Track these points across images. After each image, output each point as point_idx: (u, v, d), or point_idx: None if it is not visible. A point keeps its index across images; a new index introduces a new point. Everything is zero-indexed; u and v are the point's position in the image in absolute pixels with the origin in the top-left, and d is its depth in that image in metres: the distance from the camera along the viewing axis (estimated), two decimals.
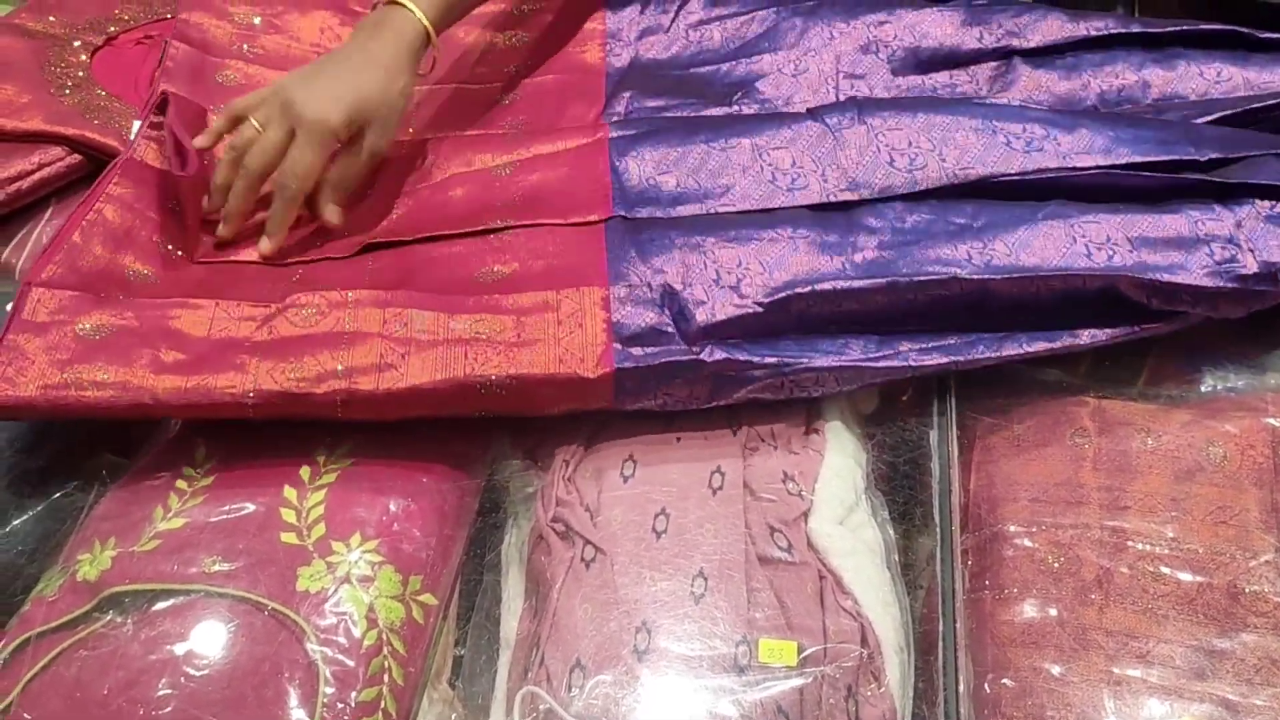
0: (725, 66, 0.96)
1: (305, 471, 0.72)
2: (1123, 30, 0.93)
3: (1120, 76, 0.90)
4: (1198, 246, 0.75)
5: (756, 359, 0.73)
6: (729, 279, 0.75)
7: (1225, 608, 0.66)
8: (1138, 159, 0.79)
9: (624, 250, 0.77)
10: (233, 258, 0.82)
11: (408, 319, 0.74)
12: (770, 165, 0.82)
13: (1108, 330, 0.76)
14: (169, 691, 0.61)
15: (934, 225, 0.78)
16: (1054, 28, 0.93)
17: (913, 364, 0.75)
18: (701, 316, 0.73)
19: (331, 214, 0.83)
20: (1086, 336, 0.76)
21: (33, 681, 0.61)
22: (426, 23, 0.84)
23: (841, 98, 0.92)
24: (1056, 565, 0.68)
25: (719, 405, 0.75)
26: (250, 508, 0.69)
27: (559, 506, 0.72)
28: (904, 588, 0.69)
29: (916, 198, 0.80)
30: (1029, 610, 0.67)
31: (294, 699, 0.61)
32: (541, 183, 0.85)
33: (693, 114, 0.91)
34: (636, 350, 0.73)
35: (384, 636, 0.64)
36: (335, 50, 0.86)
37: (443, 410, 0.73)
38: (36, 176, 0.92)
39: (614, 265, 0.77)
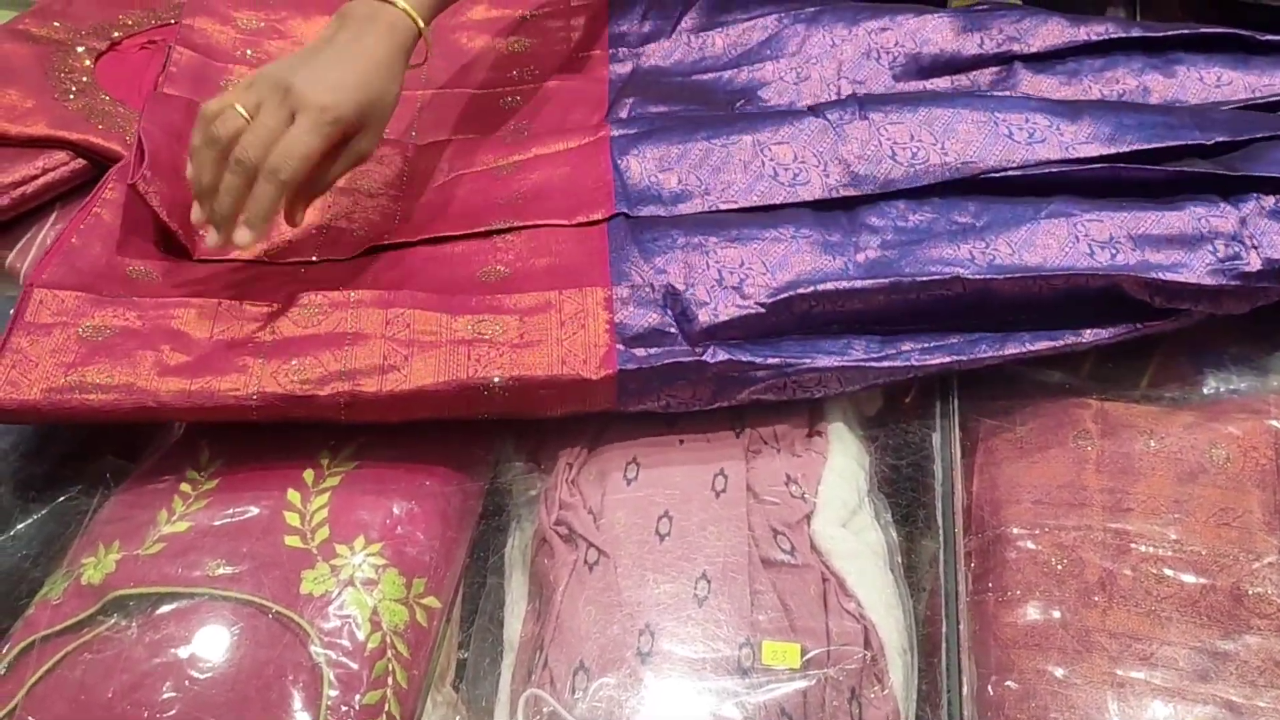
0: (728, 74, 0.97)
1: (309, 475, 0.72)
2: (1123, 35, 0.93)
3: (1121, 81, 0.90)
4: (1201, 244, 0.75)
5: (759, 360, 0.73)
6: (731, 279, 0.75)
7: (1229, 610, 0.66)
8: (1142, 145, 0.79)
9: (626, 250, 0.77)
10: (233, 256, 0.82)
11: (410, 320, 0.74)
12: (772, 161, 0.82)
13: (1110, 329, 0.76)
14: (173, 694, 0.61)
15: (936, 224, 0.78)
16: (1054, 33, 0.93)
17: (915, 364, 0.75)
18: (704, 317, 0.73)
19: (301, 216, 0.78)
20: (1089, 335, 0.76)
21: (37, 685, 0.61)
22: (419, 20, 0.80)
23: None
24: (1059, 567, 0.68)
25: (722, 407, 0.75)
26: (254, 511, 0.69)
27: (562, 509, 0.72)
28: (907, 590, 0.69)
29: (919, 195, 0.80)
30: (1032, 612, 0.67)
31: (298, 702, 0.61)
32: (543, 182, 0.85)
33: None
34: (639, 351, 0.73)
35: (388, 639, 0.65)
36: (322, 41, 0.77)
37: (445, 412, 0.73)
38: (41, 181, 0.92)
39: (616, 265, 0.77)
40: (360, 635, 0.64)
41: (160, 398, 0.70)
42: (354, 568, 0.67)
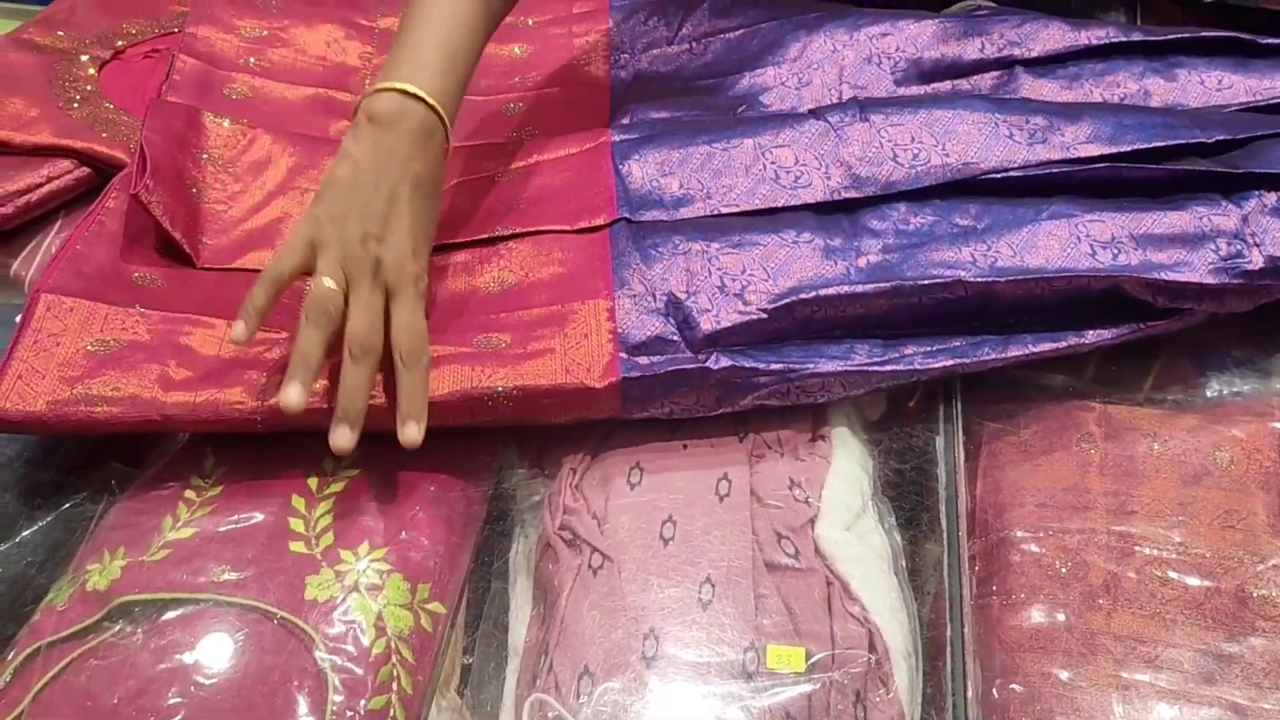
0: (729, 79, 0.97)
1: (313, 481, 0.72)
2: (1124, 39, 0.93)
3: (1122, 85, 0.91)
4: (1203, 242, 0.75)
5: (762, 365, 0.73)
6: (733, 286, 0.75)
7: (1234, 612, 0.66)
8: (1143, 144, 0.79)
9: (628, 257, 0.78)
10: (238, 265, 0.82)
11: None
12: (773, 164, 0.82)
13: (1113, 329, 0.76)
14: (179, 700, 0.61)
15: (938, 227, 0.78)
16: (1055, 37, 0.94)
17: (918, 367, 0.75)
18: (706, 324, 0.74)
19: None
20: (1092, 336, 0.76)
21: (43, 691, 0.61)
22: (445, 120, 0.75)
23: None
24: (1064, 570, 0.68)
25: (726, 412, 0.75)
26: (259, 517, 0.70)
27: (566, 514, 0.72)
28: (911, 593, 0.69)
29: (920, 197, 0.80)
30: (1037, 615, 0.67)
31: (303, 707, 0.61)
32: (545, 187, 0.85)
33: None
34: (642, 359, 0.73)
35: (392, 645, 0.65)
36: (368, 168, 0.72)
37: (450, 421, 0.73)
38: (45, 189, 0.92)
39: (618, 271, 0.77)
40: (365, 641, 0.64)
41: (165, 410, 0.70)
42: (359, 573, 0.67)
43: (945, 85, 0.93)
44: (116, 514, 0.72)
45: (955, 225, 0.78)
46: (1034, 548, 0.70)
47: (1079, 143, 0.80)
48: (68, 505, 0.75)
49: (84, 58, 1.03)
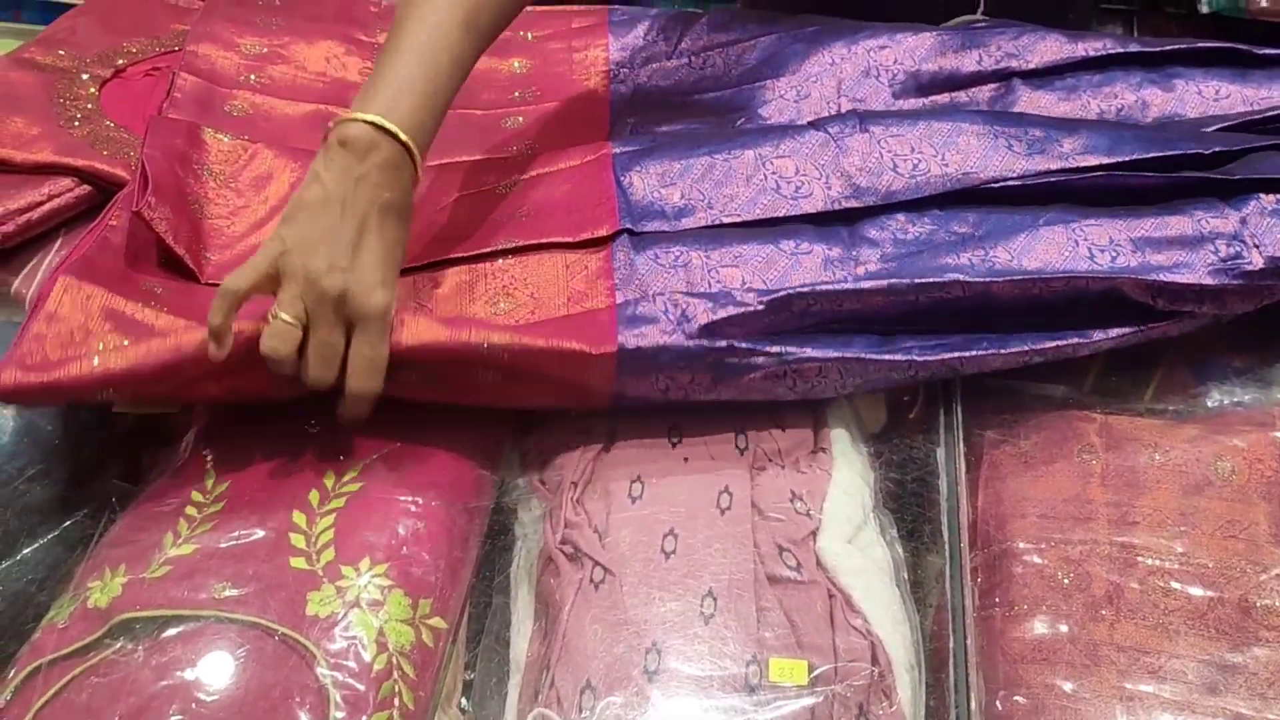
0: (728, 93, 0.97)
1: (314, 496, 0.72)
2: (1121, 50, 0.93)
3: (1119, 96, 0.91)
4: (1202, 244, 0.75)
5: (759, 347, 0.73)
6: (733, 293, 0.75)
7: (1237, 622, 0.66)
8: (1141, 155, 0.80)
9: (630, 271, 0.78)
10: None
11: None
12: (774, 174, 0.82)
13: (1115, 330, 0.76)
14: (180, 717, 0.60)
15: (935, 235, 0.78)
16: (1053, 49, 0.94)
17: (916, 359, 0.75)
18: (703, 317, 0.73)
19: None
20: (1096, 336, 0.76)
21: (44, 709, 0.61)
22: (416, 154, 0.74)
23: None
24: (1066, 581, 0.68)
25: (723, 406, 0.75)
26: (260, 533, 0.69)
27: (567, 528, 0.72)
28: (914, 605, 0.69)
29: (918, 207, 0.80)
30: (1040, 627, 0.67)
31: None
32: (545, 200, 0.85)
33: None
34: (640, 330, 0.73)
35: (394, 660, 0.64)
36: (334, 202, 0.71)
37: (437, 377, 0.73)
38: (46, 207, 0.92)
39: (621, 288, 0.77)
40: (366, 656, 0.64)
41: (181, 347, 0.69)
42: (360, 589, 0.67)
43: (943, 97, 0.94)
44: (117, 531, 0.72)
45: (953, 233, 0.78)
46: (1036, 559, 0.70)
47: (1077, 153, 0.80)
48: (68, 522, 0.75)
49: (85, 76, 1.03)
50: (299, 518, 0.70)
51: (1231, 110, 0.89)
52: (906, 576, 0.71)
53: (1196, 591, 0.67)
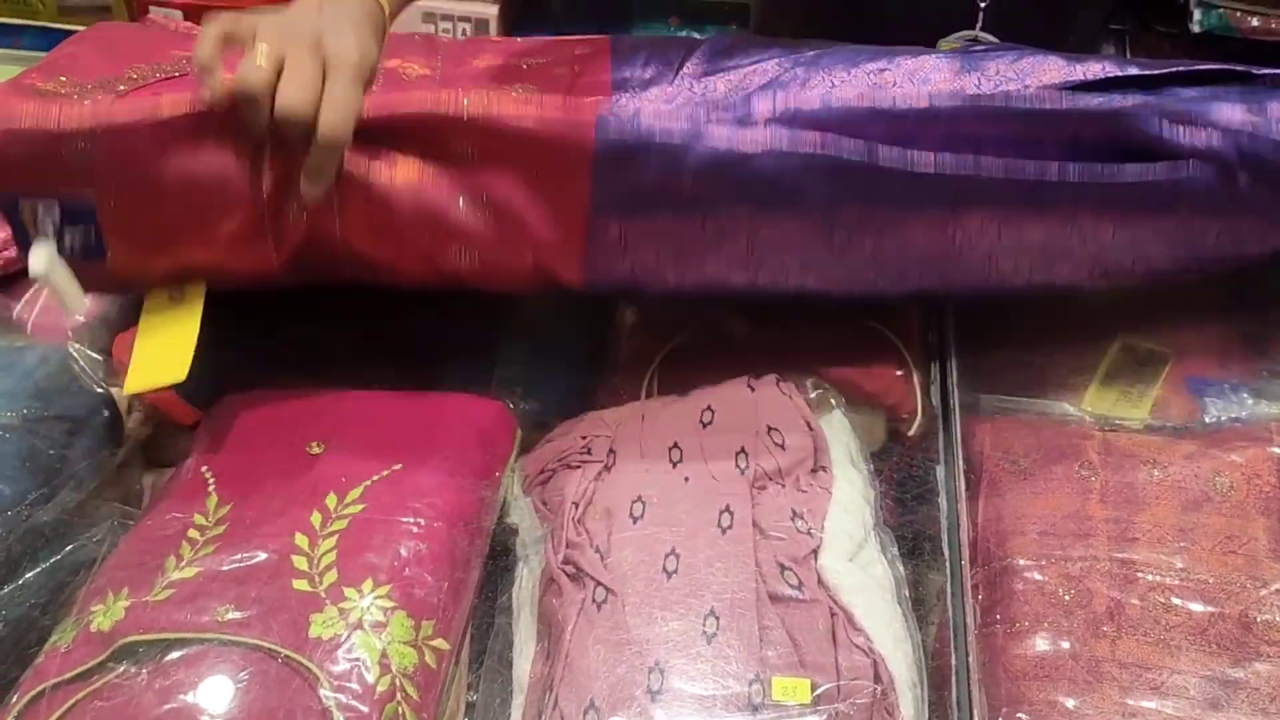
0: None
1: (316, 518, 0.72)
2: (1120, 74, 0.94)
3: None
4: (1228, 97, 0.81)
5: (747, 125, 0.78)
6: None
7: (1238, 637, 0.66)
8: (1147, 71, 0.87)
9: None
10: None
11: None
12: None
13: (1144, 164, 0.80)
14: None
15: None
16: (1052, 72, 0.94)
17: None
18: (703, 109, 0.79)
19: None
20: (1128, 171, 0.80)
21: None
22: (386, 9, 0.76)
23: None
24: (1067, 598, 0.68)
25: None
26: (262, 555, 0.70)
27: (569, 548, 0.72)
28: (915, 623, 0.69)
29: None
30: (1041, 643, 0.67)
31: None
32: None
33: None
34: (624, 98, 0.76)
35: (397, 682, 0.64)
36: (309, 8, 0.73)
37: (404, 152, 0.74)
38: None
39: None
40: (369, 678, 0.64)
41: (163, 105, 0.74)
42: (363, 610, 0.67)
43: None
44: (119, 554, 0.72)
45: None
46: (1037, 576, 0.70)
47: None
48: (70, 546, 0.75)
49: (86, 103, 1.03)
50: (301, 540, 0.70)
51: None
52: (908, 594, 0.71)
53: (1197, 607, 0.67)
